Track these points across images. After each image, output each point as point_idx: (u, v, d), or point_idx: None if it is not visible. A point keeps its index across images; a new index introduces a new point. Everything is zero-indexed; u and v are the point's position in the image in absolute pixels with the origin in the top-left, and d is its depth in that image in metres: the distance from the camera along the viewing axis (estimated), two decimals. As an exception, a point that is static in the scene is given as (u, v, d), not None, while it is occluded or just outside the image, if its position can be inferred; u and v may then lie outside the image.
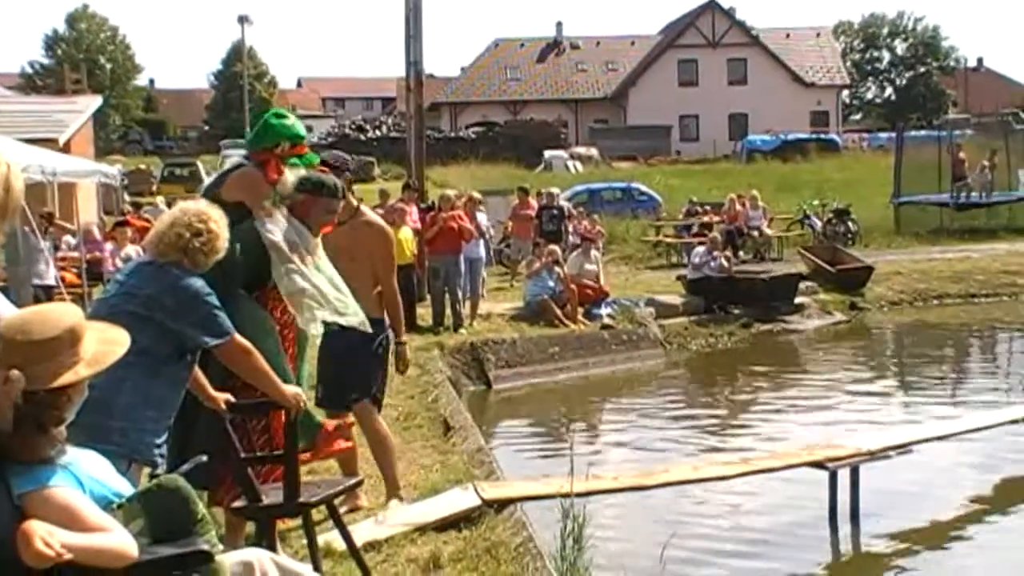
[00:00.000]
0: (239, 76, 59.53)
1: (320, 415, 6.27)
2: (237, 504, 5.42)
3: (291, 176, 5.98)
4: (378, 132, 55.87)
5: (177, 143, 74.79)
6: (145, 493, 3.32)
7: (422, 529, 6.60)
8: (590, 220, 24.36)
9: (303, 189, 5.98)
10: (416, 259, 16.18)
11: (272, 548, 5.26)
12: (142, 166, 47.09)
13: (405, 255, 15.60)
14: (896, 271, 23.04)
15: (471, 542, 6.45)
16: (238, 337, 4.79)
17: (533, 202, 23.08)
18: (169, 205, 24.37)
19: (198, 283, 4.62)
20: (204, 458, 3.96)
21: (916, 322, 20.62)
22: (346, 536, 5.76)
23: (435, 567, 6.06)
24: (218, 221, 4.78)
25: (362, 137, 54.72)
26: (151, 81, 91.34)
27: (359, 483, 5.92)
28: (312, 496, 5.47)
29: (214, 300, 4.66)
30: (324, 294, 5.87)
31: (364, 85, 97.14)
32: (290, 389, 5.14)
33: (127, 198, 30.87)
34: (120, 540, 3.10)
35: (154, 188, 41.64)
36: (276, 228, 5.85)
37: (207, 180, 6.07)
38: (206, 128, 77.24)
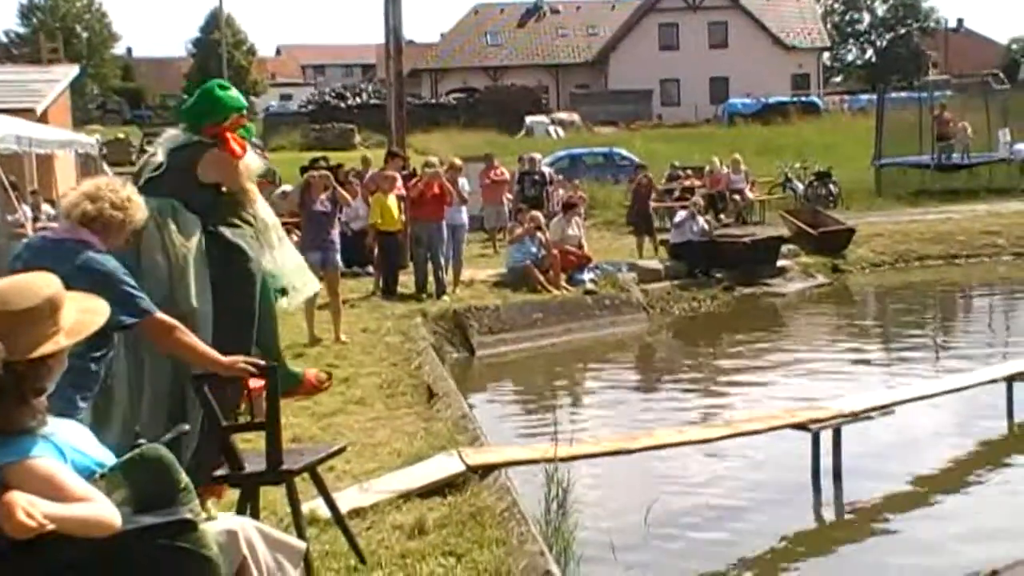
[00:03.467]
0: (217, 44, 59.03)
1: (300, 368, 6.45)
2: (220, 472, 5.41)
3: (254, 158, 5.98)
4: (358, 99, 55.65)
5: (156, 112, 74.27)
6: (127, 463, 3.31)
7: (407, 496, 6.62)
8: (572, 186, 24.32)
9: (264, 177, 5.94)
10: (404, 226, 16.15)
11: (256, 516, 5.27)
12: (121, 136, 46.82)
13: (392, 222, 15.61)
14: (877, 233, 23.12)
15: (456, 508, 6.47)
16: (159, 314, 4.69)
17: (503, 169, 23.05)
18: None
19: (111, 262, 4.57)
20: (186, 427, 3.94)
21: (897, 284, 20.71)
22: (330, 503, 5.76)
23: (420, 533, 6.07)
24: (136, 200, 4.76)
25: (342, 105, 54.52)
26: (128, 50, 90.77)
27: (342, 449, 5.91)
28: (295, 463, 5.46)
29: (130, 279, 4.59)
30: (291, 271, 6.01)
31: (344, 52, 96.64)
32: (227, 359, 4.97)
33: (107, 168, 30.71)
34: (103, 510, 3.09)
35: (133, 158, 41.40)
36: (266, 209, 5.94)
37: (152, 158, 5.79)
38: (185, 97, 76.53)
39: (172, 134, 5.98)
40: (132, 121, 64.90)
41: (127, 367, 5.36)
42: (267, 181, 6.50)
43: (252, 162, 5.98)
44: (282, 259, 6.06)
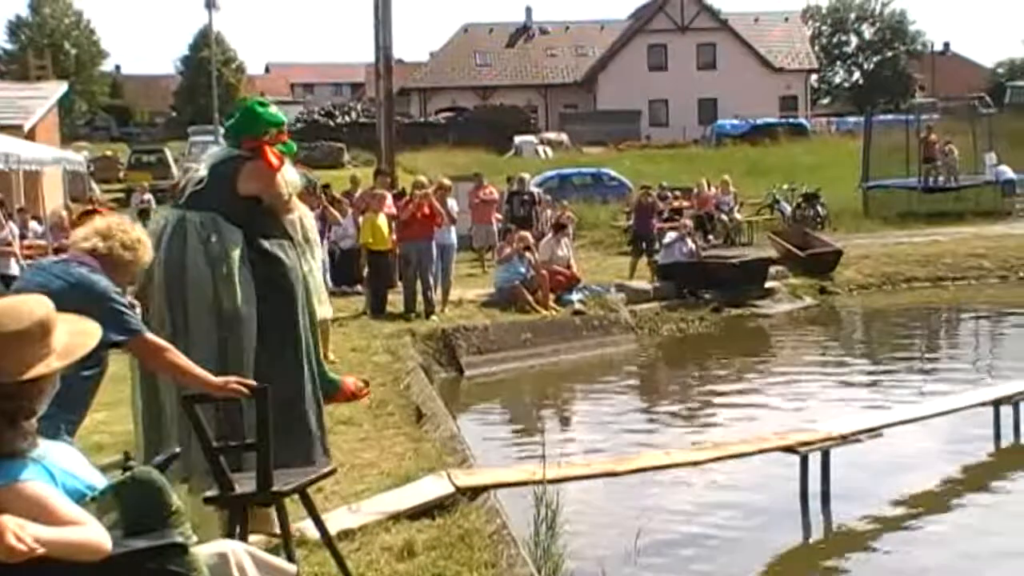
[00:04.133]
0: (206, 62, 59.02)
1: (338, 376, 6.62)
2: (209, 493, 5.39)
3: (292, 172, 6.11)
4: (347, 118, 55.58)
5: (144, 129, 74.19)
6: (118, 486, 3.29)
7: (396, 517, 6.60)
8: (560, 206, 24.35)
9: (309, 188, 6.07)
10: (394, 245, 16.15)
11: (244, 538, 5.24)
12: (109, 152, 46.77)
13: (382, 241, 15.61)
14: (865, 255, 23.19)
15: (445, 530, 6.45)
16: (149, 335, 4.74)
17: (492, 189, 23.08)
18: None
19: (104, 281, 4.60)
20: (178, 450, 3.93)
21: (885, 306, 20.77)
22: (320, 525, 5.74)
23: (409, 555, 6.05)
24: (145, 241, 4.86)
25: (331, 123, 54.45)
26: (117, 67, 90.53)
27: (332, 471, 5.89)
28: (285, 484, 5.44)
29: (121, 298, 4.62)
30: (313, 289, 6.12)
31: (333, 71, 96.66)
32: (219, 379, 5.02)
33: (94, 186, 30.70)
34: (93, 533, 3.07)
35: (121, 175, 41.40)
36: (308, 221, 6.21)
37: (195, 173, 5.94)
38: (173, 114, 76.62)
39: (214, 151, 6.18)
40: (120, 138, 64.74)
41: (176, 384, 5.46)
42: (309, 193, 6.60)
43: (291, 176, 6.11)
44: (310, 276, 6.18)
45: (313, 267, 6.30)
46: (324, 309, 6.61)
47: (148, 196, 26.64)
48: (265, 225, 5.91)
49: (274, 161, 5.95)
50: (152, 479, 3.30)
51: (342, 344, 13.25)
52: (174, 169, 39.49)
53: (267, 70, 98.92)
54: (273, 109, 6.22)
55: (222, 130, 6.46)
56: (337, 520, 6.38)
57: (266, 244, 5.84)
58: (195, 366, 5.02)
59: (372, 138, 44.52)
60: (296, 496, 5.48)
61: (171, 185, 23.65)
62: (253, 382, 5.18)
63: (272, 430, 5.32)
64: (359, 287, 16.95)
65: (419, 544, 6.17)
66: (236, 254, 5.69)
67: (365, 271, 16.19)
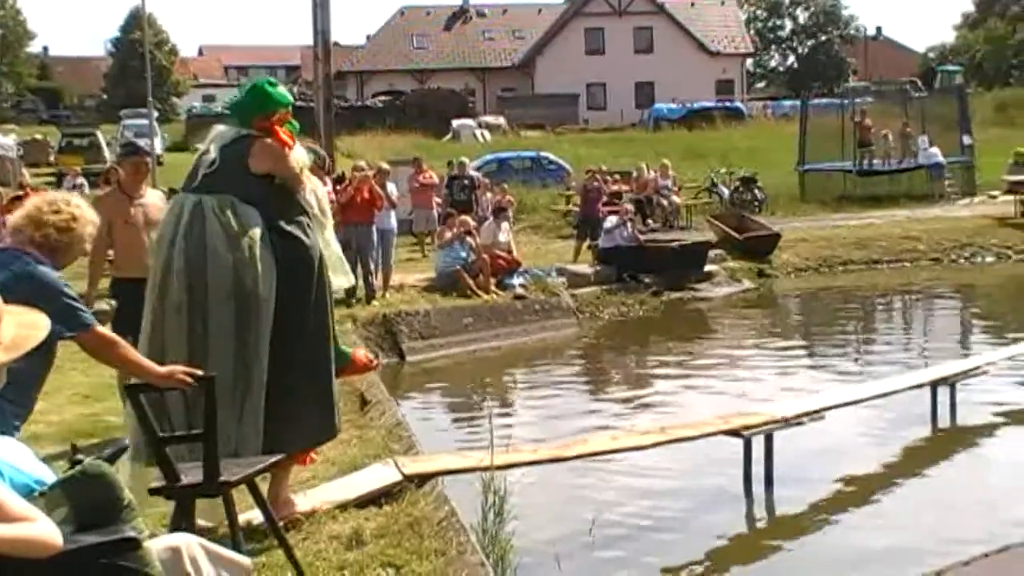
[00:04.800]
0: (138, 44, 58.06)
1: (349, 348, 6.77)
2: (155, 485, 5.31)
3: (301, 151, 6.12)
4: (283, 101, 55.09)
5: (74, 112, 73.03)
6: (68, 480, 3.21)
7: (343, 506, 6.53)
8: (500, 189, 24.29)
9: (318, 163, 6.34)
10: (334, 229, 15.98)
11: (191, 529, 5.17)
12: (38, 136, 45.97)
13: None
14: (802, 238, 23.43)
15: (393, 517, 6.40)
16: (99, 328, 4.69)
17: (432, 173, 22.99)
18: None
19: (51, 274, 4.54)
20: (127, 441, 3.86)
21: (822, 288, 21.00)
22: (268, 515, 5.67)
23: (358, 543, 6.00)
24: (83, 214, 4.77)
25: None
26: (45, 48, 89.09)
27: (281, 459, 5.83)
28: (233, 475, 5.37)
29: (71, 291, 4.57)
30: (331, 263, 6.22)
31: (267, 53, 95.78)
32: (164, 369, 5.00)
33: (23, 170, 30.11)
34: (43, 529, 3.00)
35: (52, 158, 40.67)
36: (320, 195, 6.24)
37: (206, 156, 5.92)
38: (104, 97, 75.56)
39: (221, 130, 6.11)
40: (49, 121, 63.66)
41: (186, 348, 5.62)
42: (319, 167, 6.62)
43: (299, 154, 6.10)
44: (327, 249, 6.21)
45: (329, 239, 6.31)
46: (345, 279, 6.65)
47: (80, 180, 26.13)
48: (281, 203, 5.93)
49: (286, 139, 5.99)
50: (103, 472, 3.23)
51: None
52: (106, 152, 38.83)
53: (200, 52, 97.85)
54: (281, 89, 6.24)
55: (227, 109, 6.43)
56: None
57: (284, 223, 5.88)
58: (144, 359, 4.98)
59: (309, 121, 44.24)
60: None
61: (104, 169, 23.28)
62: (198, 371, 5.13)
63: (302, 404, 5.82)
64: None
65: (367, 532, 6.12)
66: (256, 235, 5.72)
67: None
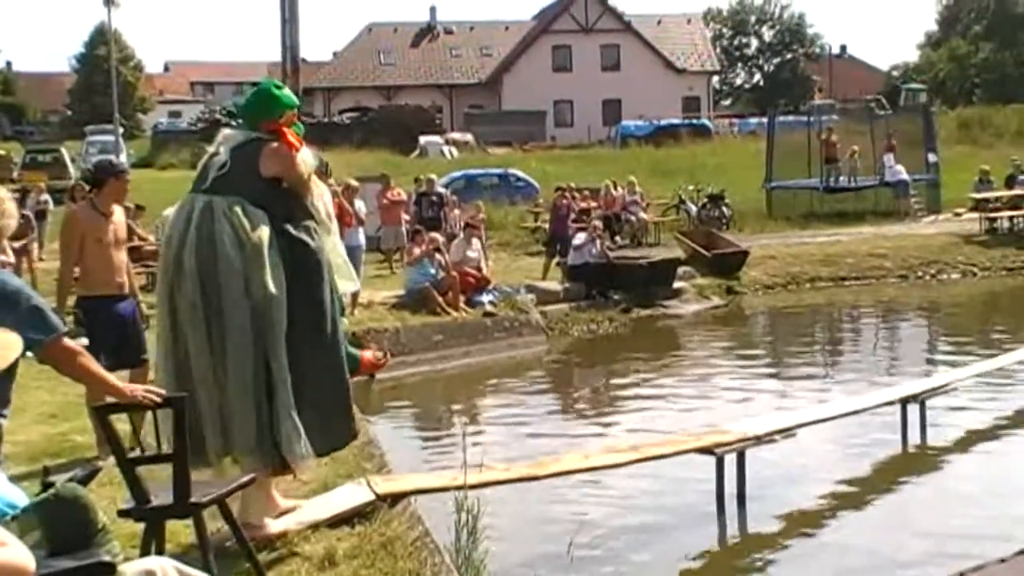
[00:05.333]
0: (103, 59, 57.79)
1: (356, 350, 6.77)
2: (124, 507, 5.24)
3: (308, 153, 6.19)
4: (250, 117, 54.92)
5: (38, 128, 72.37)
6: (41, 503, 3.15)
7: (315, 526, 6.47)
8: (475, 206, 24.28)
9: (320, 169, 6.39)
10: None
11: (161, 551, 5.10)
12: (1, 152, 45.53)
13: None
14: (770, 255, 23.51)
15: (366, 538, 6.35)
16: (66, 340, 4.59)
17: (400, 190, 22.94)
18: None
19: (15, 280, 4.47)
20: (100, 465, 3.79)
21: (790, 305, 21.07)
22: (239, 536, 5.62)
23: (330, 564, 5.94)
24: (6, 211, 4.73)
25: (233, 123, 53.61)
26: (8, 64, 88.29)
27: (251, 480, 5.76)
28: (203, 496, 5.31)
29: (38, 298, 4.49)
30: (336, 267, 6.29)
31: (234, 69, 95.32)
32: (127, 387, 4.95)
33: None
34: (16, 554, 2.92)
35: (15, 175, 40.27)
36: (326, 201, 6.32)
37: (216, 158, 5.99)
38: (68, 113, 75.03)
39: (231, 133, 6.19)
40: (12, 137, 63.06)
41: (208, 359, 5.73)
42: (322, 173, 6.66)
43: (307, 157, 6.17)
44: (333, 253, 6.29)
45: (336, 244, 6.38)
46: (352, 284, 6.73)
47: (45, 197, 25.90)
48: (288, 207, 6.00)
49: (294, 142, 6.06)
50: (77, 496, 3.17)
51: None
52: (71, 169, 38.53)
53: (166, 68, 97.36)
54: (287, 91, 6.35)
55: (238, 114, 6.42)
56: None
57: (290, 227, 5.96)
58: (108, 375, 4.89)
59: (276, 138, 44.18)
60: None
61: (69, 186, 23.07)
62: (162, 391, 5.08)
63: (319, 410, 5.92)
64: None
65: (340, 553, 6.06)
66: (265, 237, 5.77)
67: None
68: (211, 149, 6.12)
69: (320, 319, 6.02)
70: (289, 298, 5.84)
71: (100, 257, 8.05)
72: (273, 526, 6.34)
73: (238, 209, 5.79)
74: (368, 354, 6.97)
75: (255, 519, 6.19)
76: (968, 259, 23.94)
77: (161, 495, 5.23)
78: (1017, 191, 27.17)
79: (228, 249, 5.71)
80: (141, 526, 5.28)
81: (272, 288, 5.74)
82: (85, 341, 7.39)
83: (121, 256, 8.29)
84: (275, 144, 6.01)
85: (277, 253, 5.84)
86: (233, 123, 6.48)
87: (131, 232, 19.64)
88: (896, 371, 14.91)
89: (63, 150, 41.94)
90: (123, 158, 33.96)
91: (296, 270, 5.91)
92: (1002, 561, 5.69)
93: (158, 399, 4.95)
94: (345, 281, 6.41)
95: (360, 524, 6.59)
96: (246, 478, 5.72)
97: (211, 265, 5.72)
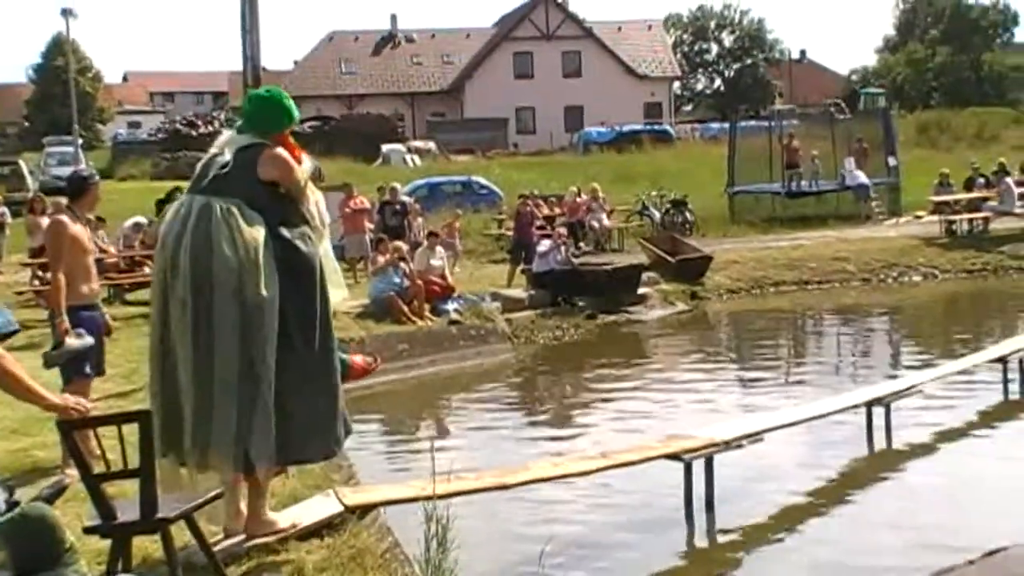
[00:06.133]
0: (60, 70, 57.37)
1: (346, 355, 6.90)
2: (90, 524, 5.18)
3: (305, 160, 6.33)
4: (210, 127, 54.56)
5: (-4, 139, 71.75)
6: (7, 523, 3.10)
7: (284, 539, 6.42)
8: (453, 214, 24.41)
9: (315, 175, 6.43)
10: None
11: (127, 568, 5.05)
12: (-42, 165, 45.05)
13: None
14: (733, 260, 23.59)
15: (335, 550, 6.31)
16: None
17: (363, 198, 22.87)
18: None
19: None
20: (67, 481, 3.73)
21: (755, 310, 21.16)
22: (207, 551, 5.58)
23: (300, 578, 5.90)
24: None
25: (194, 133, 53.39)
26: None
27: (219, 495, 5.71)
28: (171, 511, 5.26)
29: None
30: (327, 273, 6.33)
31: (193, 79, 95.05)
32: (60, 399, 4.92)
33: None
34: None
35: (-25, 187, 39.88)
36: (322, 207, 6.41)
37: (219, 158, 6.10)
38: (26, 124, 74.32)
39: (233, 136, 6.26)
40: (-30, 149, 62.40)
41: (192, 358, 5.75)
42: (316, 179, 6.70)
43: (305, 165, 6.30)
44: (325, 259, 6.36)
45: (328, 250, 6.44)
46: (342, 292, 6.71)
47: (3, 209, 25.63)
48: (284, 212, 6.07)
49: (298, 154, 6.22)
50: (43, 515, 3.12)
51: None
52: (29, 181, 38.16)
53: (125, 79, 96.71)
54: (290, 101, 6.49)
55: (240, 119, 6.51)
56: (223, 544, 6.18)
57: (285, 231, 6.03)
58: (36, 386, 4.73)
59: (238, 148, 43.88)
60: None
61: (28, 199, 22.84)
62: (88, 404, 5.07)
63: (310, 415, 6.00)
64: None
65: (310, 566, 6.03)
66: (261, 239, 5.83)
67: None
68: (212, 150, 6.23)
69: (312, 323, 6.05)
70: (282, 301, 5.88)
71: (82, 265, 8.05)
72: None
73: (235, 211, 5.84)
74: (359, 359, 7.06)
75: (263, 517, 6.33)
76: (929, 261, 24.15)
77: (128, 511, 5.18)
78: (976, 194, 27.42)
79: (224, 249, 5.75)
80: (107, 543, 5.24)
81: (264, 290, 5.78)
82: (90, 340, 7.39)
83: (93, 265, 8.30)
84: (275, 149, 6.10)
85: (272, 256, 5.89)
86: (235, 127, 6.44)
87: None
88: (860, 374, 15.00)
89: (21, 162, 41.54)
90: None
91: (290, 273, 5.95)
92: (971, 563, 5.72)
93: (84, 410, 4.91)
94: (335, 289, 6.42)
95: (329, 536, 6.56)
96: (213, 492, 5.68)
97: (206, 264, 5.76)
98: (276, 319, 5.84)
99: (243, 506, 6.39)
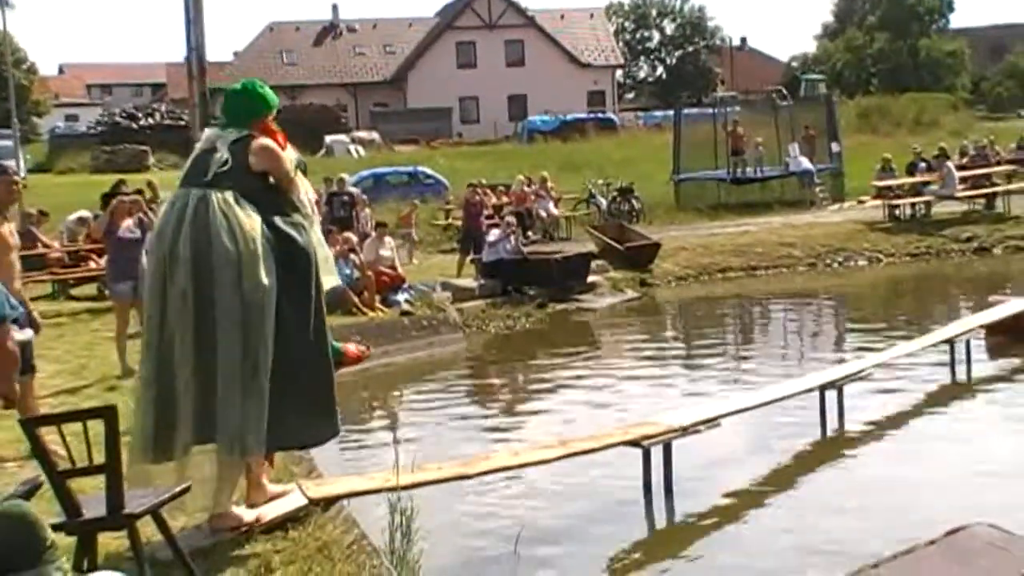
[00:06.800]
0: (-4, 63, 56.28)
1: (339, 343, 6.97)
2: (54, 520, 5.13)
3: (290, 150, 6.44)
4: (151, 120, 54.01)
5: (-71, 134, 70.40)
6: (-13, 523, 3.07)
7: (248, 533, 6.38)
8: (411, 204, 24.40)
9: (300, 168, 6.49)
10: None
11: (93, 566, 5.01)
12: None
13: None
14: (681, 247, 23.73)
15: (301, 543, 6.29)
16: None
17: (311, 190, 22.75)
18: None
19: None
20: (42, 479, 3.70)
21: (703, 296, 21.31)
22: (174, 545, 5.55)
23: (267, 571, 5.89)
24: None
25: (134, 125, 52.84)
26: None
27: (186, 490, 5.67)
28: (138, 506, 5.22)
29: None
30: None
31: (131, 71, 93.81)
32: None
33: None
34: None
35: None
36: (310, 195, 6.55)
37: (217, 155, 6.15)
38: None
39: (218, 132, 6.32)
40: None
41: (193, 348, 5.85)
42: (301, 172, 6.76)
43: (291, 155, 6.41)
44: (319, 248, 6.44)
45: (320, 239, 6.52)
46: (334, 279, 6.83)
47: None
48: (276, 202, 6.19)
49: (281, 140, 6.33)
50: (24, 513, 3.10)
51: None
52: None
53: (61, 71, 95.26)
54: (268, 89, 6.57)
55: (222, 112, 6.54)
56: (189, 539, 6.14)
57: (280, 221, 6.15)
58: None
59: (178, 140, 43.35)
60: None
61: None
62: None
63: (305, 401, 6.11)
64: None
65: (276, 560, 6.01)
66: (257, 229, 5.94)
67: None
68: (201, 146, 6.29)
69: (307, 311, 6.13)
70: (278, 289, 5.97)
71: (6, 263, 7.90)
72: (208, 539, 6.30)
73: (232, 202, 5.94)
74: (352, 347, 7.13)
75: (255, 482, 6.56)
76: (873, 246, 24.44)
77: (93, 507, 5.14)
78: (918, 178, 27.78)
79: (223, 240, 5.84)
80: (73, 539, 5.18)
81: (264, 279, 5.87)
82: (30, 333, 7.31)
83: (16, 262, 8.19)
84: (263, 141, 6.21)
85: (268, 243, 5.98)
86: (217, 124, 6.49)
87: (35, 239, 19.37)
88: (810, 358, 15.14)
89: (-42, 157, 40.83)
90: (20, 163, 33.10)
91: (286, 262, 6.05)
92: (932, 543, 5.79)
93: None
94: (327, 276, 6.48)
95: (294, 530, 6.53)
96: (180, 487, 5.65)
97: (205, 255, 5.85)
98: (274, 306, 5.94)
99: (266, 482, 6.71)
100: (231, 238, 5.86)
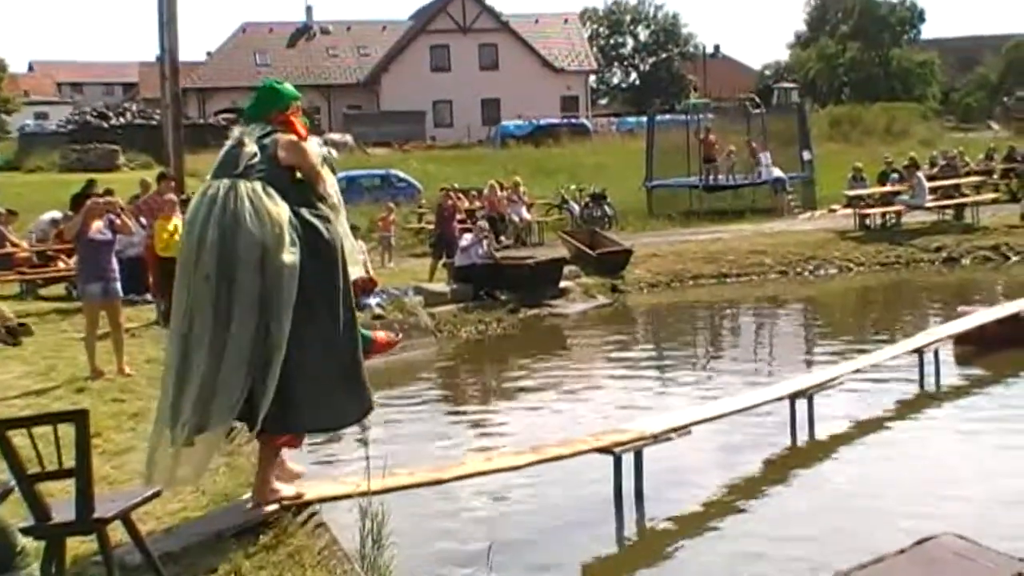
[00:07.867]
0: (-34, 60, 55.88)
1: (369, 331, 7.16)
2: (24, 525, 5.08)
3: (314, 144, 6.64)
4: (122, 119, 53.61)
5: None
6: (-42, 529, 3.04)
7: (219, 537, 6.35)
8: (385, 207, 24.32)
9: (327, 162, 6.66)
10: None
11: (60, 571, 4.97)
12: None
13: (174, 247, 15.00)
14: (653, 253, 23.80)
15: (272, 548, 6.27)
16: None
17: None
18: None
19: None
20: (13, 484, 3.67)
21: (674, 303, 21.35)
22: (143, 550, 5.51)
23: (238, 577, 5.85)
24: None
25: (105, 124, 52.38)
26: None
27: (157, 494, 5.64)
28: (108, 511, 5.18)
29: None
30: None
31: (103, 70, 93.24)
32: None
33: None
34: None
35: None
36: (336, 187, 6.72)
37: (247, 148, 6.39)
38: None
39: (245, 129, 6.54)
40: None
41: (211, 330, 5.99)
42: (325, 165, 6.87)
43: (314, 148, 6.60)
44: (345, 238, 6.61)
45: (347, 230, 6.68)
46: (359, 269, 7.06)
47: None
48: (303, 194, 6.36)
49: (301, 132, 6.59)
50: (-6, 520, 3.06)
51: (136, 355, 12.74)
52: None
53: (31, 68, 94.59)
54: (288, 85, 6.87)
55: (244, 115, 6.87)
56: (159, 544, 6.09)
57: (306, 212, 6.32)
58: None
59: (149, 140, 43.08)
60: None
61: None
62: None
63: (333, 387, 6.30)
64: (148, 295, 16.40)
65: (247, 565, 5.99)
66: (285, 216, 6.10)
67: (151, 279, 15.70)
68: (230, 143, 6.49)
69: (336, 297, 6.29)
70: (307, 277, 6.11)
71: None
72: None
73: (260, 190, 6.12)
74: (382, 334, 7.30)
75: (272, 484, 6.78)
76: (844, 255, 24.57)
77: (62, 511, 5.09)
78: (889, 188, 27.95)
79: (250, 225, 6.02)
80: (42, 544, 5.13)
81: (287, 259, 6.03)
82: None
83: None
84: (289, 136, 6.42)
85: (293, 228, 6.15)
86: (242, 123, 6.75)
87: (3, 238, 19.21)
88: (780, 366, 15.18)
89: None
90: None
91: (314, 252, 6.20)
92: (901, 552, 5.82)
93: None
94: (353, 266, 6.63)
95: (264, 534, 6.50)
96: (151, 490, 5.62)
97: (231, 237, 6.02)
98: (295, 287, 6.06)
99: (292, 466, 7.03)
100: (258, 223, 6.04)
